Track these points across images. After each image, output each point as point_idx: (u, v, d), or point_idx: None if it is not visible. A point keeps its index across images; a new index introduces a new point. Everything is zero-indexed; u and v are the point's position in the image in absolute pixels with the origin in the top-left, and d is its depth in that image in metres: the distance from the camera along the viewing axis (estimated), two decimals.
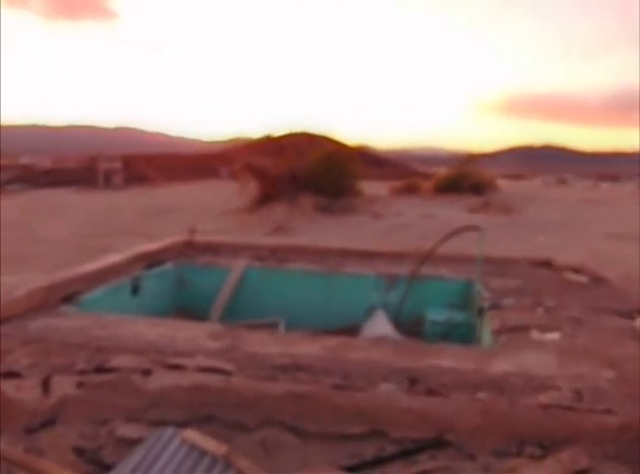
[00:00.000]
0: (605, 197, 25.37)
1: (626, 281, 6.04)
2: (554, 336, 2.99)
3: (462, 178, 22.28)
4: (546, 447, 2.03)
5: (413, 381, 2.30)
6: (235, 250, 5.32)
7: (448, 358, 2.57)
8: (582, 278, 4.49)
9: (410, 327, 4.18)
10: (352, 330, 4.00)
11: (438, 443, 2.06)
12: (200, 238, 5.57)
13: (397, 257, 5.04)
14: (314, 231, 11.96)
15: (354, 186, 18.37)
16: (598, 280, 4.46)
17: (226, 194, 19.00)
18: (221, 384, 2.25)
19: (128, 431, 2.12)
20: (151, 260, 4.72)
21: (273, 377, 2.30)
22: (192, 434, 1.99)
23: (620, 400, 2.20)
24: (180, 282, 4.84)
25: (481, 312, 3.62)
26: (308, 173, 16.98)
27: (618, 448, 1.99)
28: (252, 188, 17.23)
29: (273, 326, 3.97)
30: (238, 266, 4.68)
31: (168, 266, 4.77)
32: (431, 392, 2.22)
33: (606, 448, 1.99)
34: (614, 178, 50.87)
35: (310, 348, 2.64)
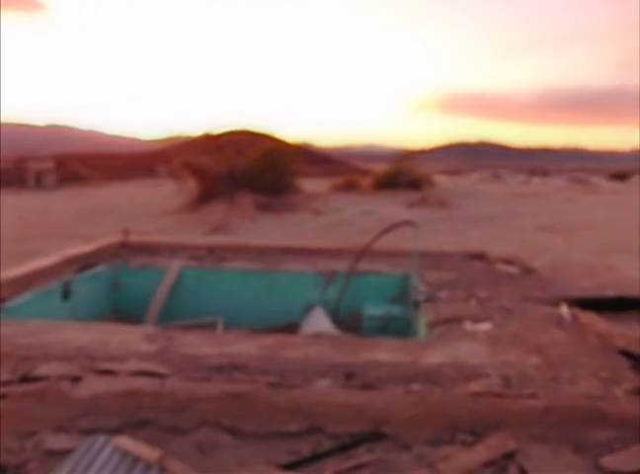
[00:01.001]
0: (536, 191, 26.46)
1: (553, 271, 6.33)
2: (486, 326, 3.10)
3: (400, 174, 22.72)
4: (478, 434, 2.09)
5: (349, 376, 2.33)
6: (172, 250, 5.22)
7: (384, 352, 2.61)
8: (513, 269, 4.66)
9: (349, 322, 4.23)
10: (291, 327, 4.01)
11: (374, 436, 2.09)
12: (135, 238, 5.43)
13: (336, 253, 5.09)
14: (254, 229, 11.88)
15: (293, 183, 18.37)
16: (527, 271, 4.65)
17: (165, 193, 18.61)
18: (155, 388, 2.20)
19: (57, 442, 2.04)
20: (84, 262, 4.57)
21: (208, 378, 2.27)
22: (124, 441, 1.94)
23: (545, 384, 2.31)
24: (114, 285, 4.70)
25: (417, 305, 3.71)
26: (248, 171, 16.85)
27: (543, 430, 2.08)
28: (191, 187, 16.94)
29: (211, 326, 3.93)
30: (174, 266, 4.59)
31: (101, 268, 4.63)
32: (366, 386, 2.25)
33: (532, 431, 2.08)
34: (545, 173, 53.27)
35: (247, 347, 2.62)
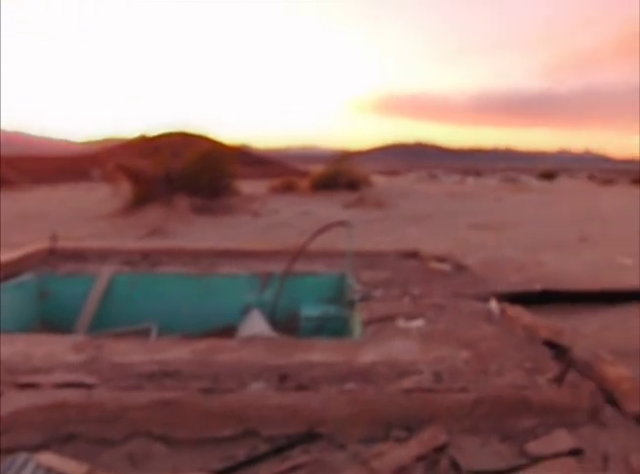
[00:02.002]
0: (470, 190, 27.31)
1: (485, 268, 6.56)
2: (418, 323, 3.16)
3: (338, 175, 22.91)
4: (411, 429, 2.13)
5: (283, 378, 2.32)
6: (104, 256, 5.05)
7: (319, 353, 2.62)
8: (445, 267, 4.79)
9: (286, 324, 4.22)
10: (228, 331, 3.96)
11: (309, 437, 2.10)
12: (64, 244, 5.22)
13: (273, 255, 5.07)
14: (192, 233, 11.67)
15: (231, 185, 18.17)
16: (460, 268, 4.79)
17: (99, 197, 17.99)
18: (82, 399, 2.12)
19: None
20: (7, 271, 4.34)
21: (138, 387, 2.21)
22: (48, 457, 1.86)
23: (474, 377, 2.38)
24: (42, 294, 4.50)
25: (352, 305, 3.74)
26: (184, 173, 16.52)
27: (473, 422, 2.15)
28: (126, 190, 16.45)
29: (145, 333, 3.83)
30: (105, 272, 4.44)
31: (27, 276, 4.42)
32: (301, 387, 2.25)
33: (462, 423, 2.14)
34: (478, 173, 55.17)
35: (179, 352, 2.57)
